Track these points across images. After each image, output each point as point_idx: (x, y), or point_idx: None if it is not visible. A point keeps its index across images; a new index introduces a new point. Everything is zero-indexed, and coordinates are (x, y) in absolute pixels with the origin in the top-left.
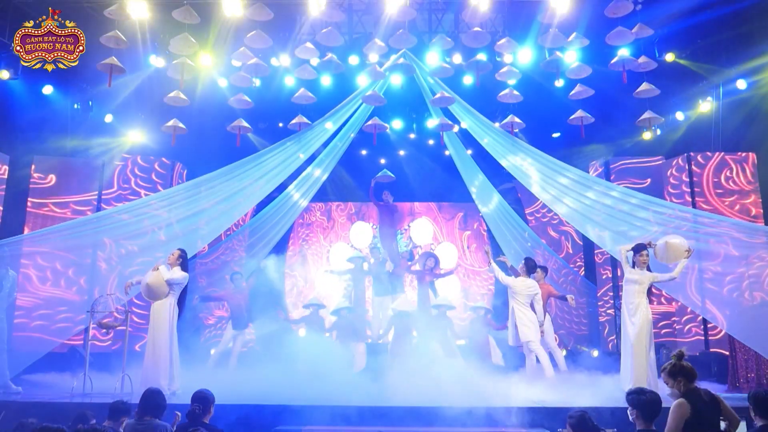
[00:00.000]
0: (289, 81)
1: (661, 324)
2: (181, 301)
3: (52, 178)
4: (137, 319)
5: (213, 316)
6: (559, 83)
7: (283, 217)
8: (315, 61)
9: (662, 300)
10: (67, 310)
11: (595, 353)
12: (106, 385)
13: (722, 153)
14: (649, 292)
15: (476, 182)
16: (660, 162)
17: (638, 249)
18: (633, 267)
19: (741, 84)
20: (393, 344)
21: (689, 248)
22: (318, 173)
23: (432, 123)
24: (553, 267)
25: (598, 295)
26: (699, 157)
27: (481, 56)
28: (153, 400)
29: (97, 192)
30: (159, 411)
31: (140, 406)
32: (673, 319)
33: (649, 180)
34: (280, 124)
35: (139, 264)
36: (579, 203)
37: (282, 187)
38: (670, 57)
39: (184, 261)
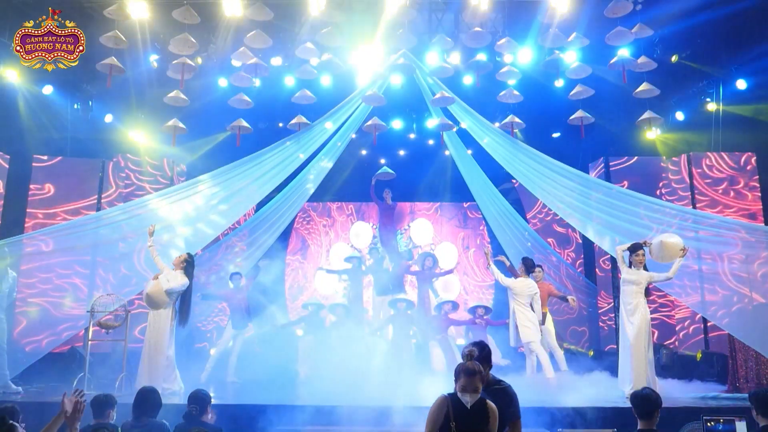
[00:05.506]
0: (289, 81)
1: (660, 324)
2: (185, 307)
3: (51, 181)
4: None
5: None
6: (559, 83)
7: (283, 216)
8: (315, 61)
9: (662, 300)
10: (66, 310)
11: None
12: (106, 385)
13: (722, 153)
14: (647, 292)
15: (476, 182)
16: (660, 162)
17: (634, 249)
18: (630, 267)
19: (741, 84)
20: (392, 343)
21: (684, 247)
22: (318, 172)
23: (432, 123)
24: (553, 267)
25: (598, 295)
26: (699, 157)
27: (481, 56)
28: (149, 400)
29: (96, 192)
30: (156, 410)
31: (136, 406)
32: (673, 318)
33: (648, 180)
34: (280, 124)
35: (140, 264)
36: (578, 203)
37: (282, 187)
38: (674, 58)
39: (189, 266)
